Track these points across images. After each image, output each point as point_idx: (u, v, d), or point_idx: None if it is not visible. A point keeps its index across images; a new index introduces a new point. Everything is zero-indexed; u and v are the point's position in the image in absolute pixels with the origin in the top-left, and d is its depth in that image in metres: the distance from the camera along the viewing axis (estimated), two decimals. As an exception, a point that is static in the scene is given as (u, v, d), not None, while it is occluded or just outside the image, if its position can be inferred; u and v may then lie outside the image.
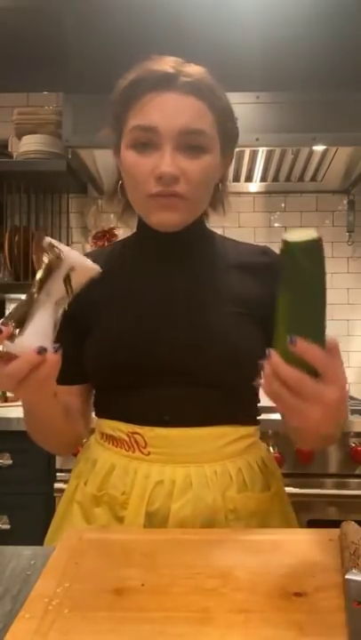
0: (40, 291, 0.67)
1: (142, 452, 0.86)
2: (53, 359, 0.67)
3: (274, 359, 0.63)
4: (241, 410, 0.91)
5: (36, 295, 0.67)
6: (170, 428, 0.85)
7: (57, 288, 0.68)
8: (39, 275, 0.67)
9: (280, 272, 0.65)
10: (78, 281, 0.69)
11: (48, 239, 0.68)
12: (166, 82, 0.81)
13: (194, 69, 0.83)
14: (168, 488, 0.83)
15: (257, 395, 0.94)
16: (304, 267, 0.63)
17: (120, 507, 0.85)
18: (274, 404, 0.66)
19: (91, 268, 0.70)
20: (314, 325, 0.65)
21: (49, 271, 0.67)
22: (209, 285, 0.90)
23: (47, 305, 0.67)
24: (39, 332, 0.66)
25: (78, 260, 0.69)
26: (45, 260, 0.67)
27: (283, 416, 0.92)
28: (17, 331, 0.65)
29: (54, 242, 0.68)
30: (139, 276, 0.91)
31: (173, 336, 0.85)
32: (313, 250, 0.62)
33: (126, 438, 0.87)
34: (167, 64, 0.82)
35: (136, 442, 0.86)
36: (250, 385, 0.91)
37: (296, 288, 0.64)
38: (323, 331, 0.65)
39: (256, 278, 0.91)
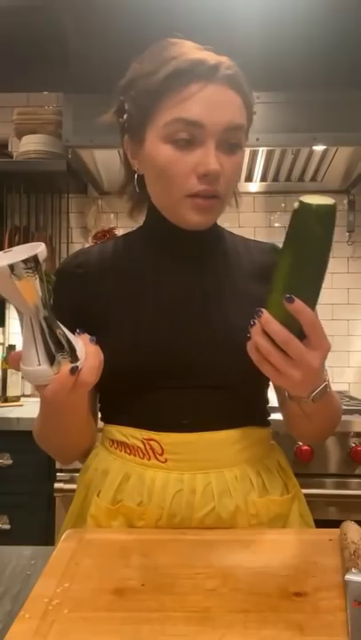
0: (49, 307, 0.62)
1: (159, 460, 0.82)
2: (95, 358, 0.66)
3: (265, 316, 0.67)
4: (256, 411, 0.90)
5: (51, 314, 0.62)
6: (187, 434, 0.82)
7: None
8: (46, 295, 0.61)
9: (289, 231, 0.67)
10: None
11: (18, 262, 0.57)
12: (209, 74, 0.77)
13: (225, 59, 0.80)
14: (188, 497, 0.80)
15: (267, 395, 0.94)
16: (315, 231, 0.65)
17: (138, 518, 0.80)
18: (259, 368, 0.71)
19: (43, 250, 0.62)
20: (311, 290, 0.68)
21: (42, 283, 0.60)
22: (227, 286, 0.88)
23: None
24: (70, 335, 0.64)
25: (42, 252, 0.60)
26: (36, 276, 0.58)
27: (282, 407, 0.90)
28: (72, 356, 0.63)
29: (21, 254, 0.58)
30: (152, 275, 0.88)
31: (192, 339, 0.83)
32: (327, 216, 0.65)
33: (141, 445, 0.83)
34: (201, 52, 0.79)
35: (152, 448, 0.82)
36: (265, 385, 0.91)
37: (302, 250, 0.66)
38: (317, 297, 0.68)
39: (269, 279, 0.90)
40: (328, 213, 0.65)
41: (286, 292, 0.65)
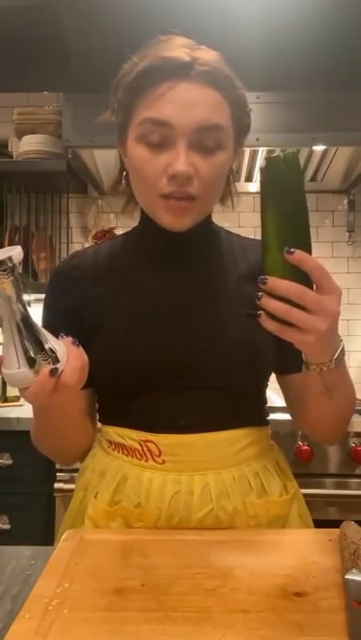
0: (27, 309, 0.62)
1: (156, 461, 0.81)
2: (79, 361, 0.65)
3: (271, 279, 0.65)
4: (255, 411, 0.89)
5: (29, 316, 0.62)
6: (185, 435, 0.81)
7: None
8: (22, 297, 0.61)
9: (263, 191, 0.67)
10: None
11: None
12: (181, 71, 0.75)
13: (209, 55, 0.77)
14: (185, 498, 0.79)
15: (265, 395, 0.93)
16: (291, 178, 0.66)
17: (136, 519, 0.80)
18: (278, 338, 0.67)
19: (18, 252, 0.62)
20: (304, 238, 0.67)
21: (18, 284, 0.60)
22: (221, 286, 0.87)
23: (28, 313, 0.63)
24: (51, 337, 0.64)
25: (17, 254, 0.61)
26: (11, 278, 0.59)
27: (291, 403, 0.88)
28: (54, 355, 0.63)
29: None
30: (147, 276, 0.87)
31: (188, 340, 0.82)
32: (295, 160, 0.66)
33: (138, 446, 0.83)
34: (180, 49, 0.76)
35: (149, 450, 0.82)
36: (263, 385, 0.91)
37: (284, 200, 0.67)
38: (310, 245, 0.67)
39: None
40: (295, 158, 0.66)
41: (282, 246, 0.65)
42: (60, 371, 0.63)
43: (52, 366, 0.62)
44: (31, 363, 0.61)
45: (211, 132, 0.76)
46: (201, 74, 0.75)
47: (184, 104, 0.75)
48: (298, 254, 0.64)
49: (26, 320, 0.61)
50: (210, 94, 0.76)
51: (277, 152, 0.67)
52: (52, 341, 0.63)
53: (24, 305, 0.61)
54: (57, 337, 0.66)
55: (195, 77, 0.75)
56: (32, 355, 0.61)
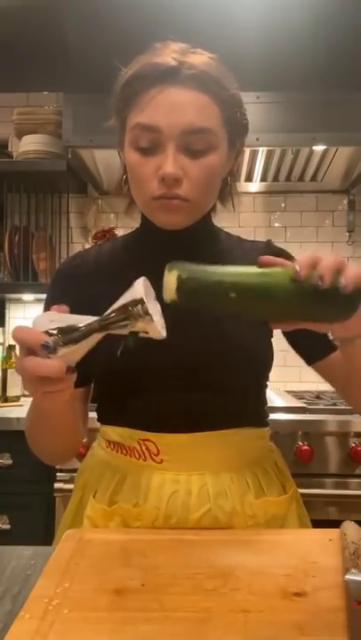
0: (103, 329, 0.65)
1: (154, 460, 0.82)
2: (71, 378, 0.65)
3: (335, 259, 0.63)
4: (253, 412, 0.89)
5: (96, 329, 0.64)
6: (183, 434, 0.82)
7: (117, 330, 0.66)
8: (114, 317, 0.65)
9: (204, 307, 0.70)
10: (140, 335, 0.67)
11: (141, 294, 0.64)
12: (168, 76, 0.76)
13: (198, 59, 0.78)
14: (183, 498, 0.80)
15: (264, 395, 0.93)
16: (201, 281, 0.69)
17: (134, 519, 0.80)
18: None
19: (159, 334, 0.66)
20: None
21: (126, 324, 0.65)
22: None
23: (94, 338, 0.65)
24: (75, 356, 0.64)
25: (156, 328, 0.65)
26: (132, 315, 0.64)
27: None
28: (57, 344, 0.62)
29: (148, 305, 0.64)
30: (147, 276, 0.89)
31: (186, 340, 0.82)
32: (186, 275, 0.70)
33: (137, 446, 0.83)
34: (169, 55, 0.78)
35: (148, 449, 0.82)
36: (261, 386, 0.91)
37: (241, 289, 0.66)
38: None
39: None
40: (188, 281, 0.69)
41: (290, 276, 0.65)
42: (49, 354, 0.61)
43: (48, 339, 0.61)
44: (50, 332, 0.62)
45: (198, 135, 0.77)
46: (189, 77, 0.76)
47: (171, 108, 0.76)
48: (265, 258, 0.67)
49: (98, 329, 0.64)
50: (197, 97, 0.77)
51: (169, 290, 0.69)
52: (82, 345, 0.64)
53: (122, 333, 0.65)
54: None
55: (183, 81, 0.76)
56: (57, 332, 0.62)
